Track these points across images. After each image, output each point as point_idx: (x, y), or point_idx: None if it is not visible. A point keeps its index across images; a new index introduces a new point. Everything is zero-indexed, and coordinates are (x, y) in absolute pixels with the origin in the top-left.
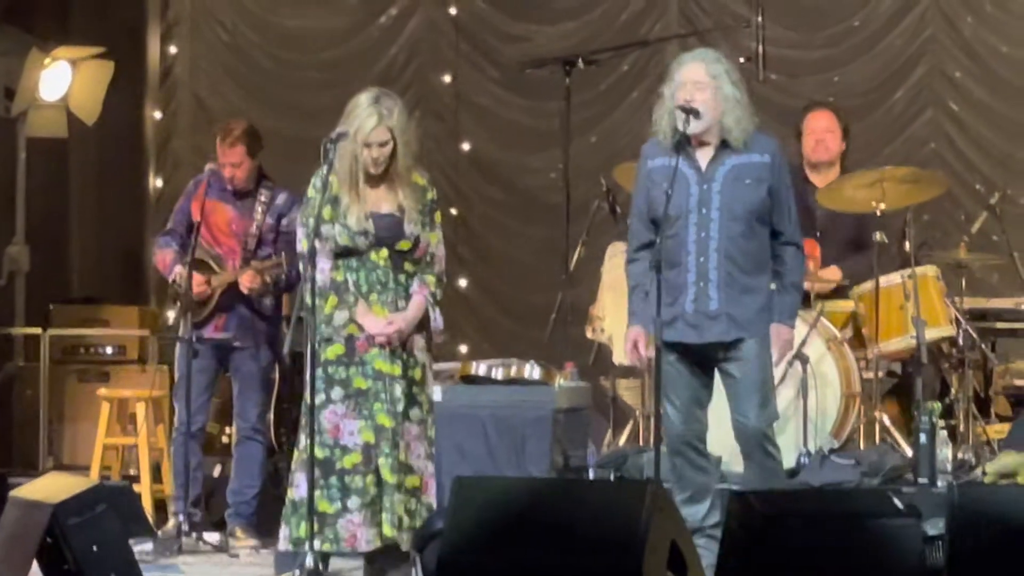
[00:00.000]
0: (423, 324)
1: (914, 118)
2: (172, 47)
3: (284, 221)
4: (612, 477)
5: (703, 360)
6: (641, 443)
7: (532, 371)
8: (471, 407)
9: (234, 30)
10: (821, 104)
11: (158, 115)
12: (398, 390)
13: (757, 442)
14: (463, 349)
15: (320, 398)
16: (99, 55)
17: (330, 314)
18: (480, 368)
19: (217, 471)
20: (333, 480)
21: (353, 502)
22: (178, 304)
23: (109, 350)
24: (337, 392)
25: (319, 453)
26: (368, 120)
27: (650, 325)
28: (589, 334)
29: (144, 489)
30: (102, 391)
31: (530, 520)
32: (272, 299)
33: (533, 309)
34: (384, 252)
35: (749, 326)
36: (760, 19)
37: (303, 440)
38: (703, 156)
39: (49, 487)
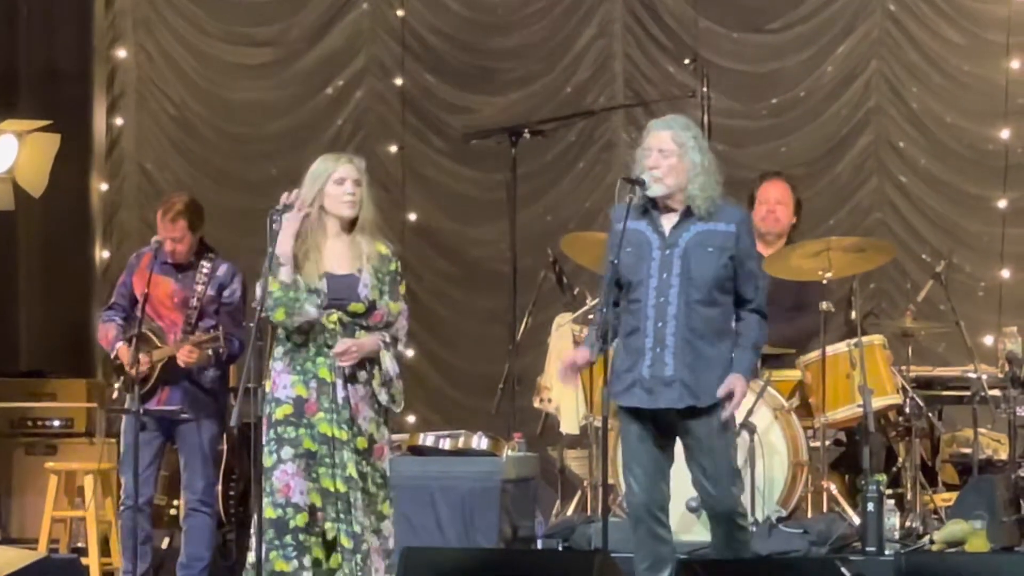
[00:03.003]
0: (374, 396)
1: (859, 187)
2: (118, 119)
3: (225, 292)
4: (560, 547)
5: (664, 427)
6: (589, 513)
7: (480, 442)
8: (419, 478)
9: (180, 102)
10: (778, 174)
11: (104, 187)
12: (346, 455)
13: (726, 516)
14: (411, 420)
15: (272, 459)
16: (45, 127)
17: (277, 284)
18: (428, 439)
19: (165, 543)
20: (288, 539)
21: (308, 560)
22: (121, 379)
23: (56, 423)
24: (287, 451)
25: (272, 513)
26: (336, 162)
27: (594, 351)
28: (537, 404)
29: (92, 562)
30: (50, 464)
31: None
32: (215, 371)
33: (480, 380)
34: (335, 316)
35: (704, 394)
36: (705, 89)
37: (261, 501)
38: (667, 221)
39: None
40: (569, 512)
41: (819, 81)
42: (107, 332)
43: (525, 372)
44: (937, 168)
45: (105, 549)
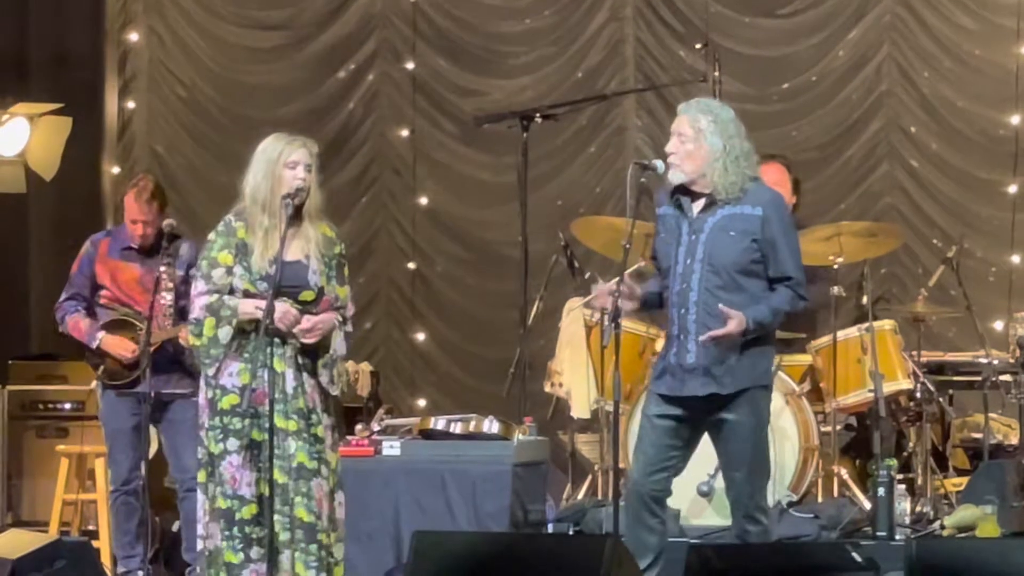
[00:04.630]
0: (325, 391)
1: (870, 172)
2: (130, 102)
3: (192, 270)
4: (571, 531)
5: (690, 418)
6: (600, 497)
7: (491, 426)
8: (430, 462)
9: (191, 86)
10: (770, 157)
11: (116, 170)
12: (292, 447)
13: (741, 508)
14: (421, 404)
15: (219, 447)
16: (57, 111)
17: (213, 335)
18: (439, 423)
19: (176, 526)
20: (236, 531)
21: (255, 552)
22: (101, 370)
23: (67, 406)
24: (233, 443)
25: (222, 504)
26: (289, 144)
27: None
28: (547, 388)
29: (103, 544)
30: (61, 447)
31: (489, 575)
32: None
33: (491, 364)
34: (288, 305)
35: (727, 382)
36: (717, 74)
37: (210, 489)
38: (696, 207)
39: (8, 543)
40: (580, 496)
41: (830, 66)
42: (77, 323)
43: (536, 356)
44: (948, 153)
45: None
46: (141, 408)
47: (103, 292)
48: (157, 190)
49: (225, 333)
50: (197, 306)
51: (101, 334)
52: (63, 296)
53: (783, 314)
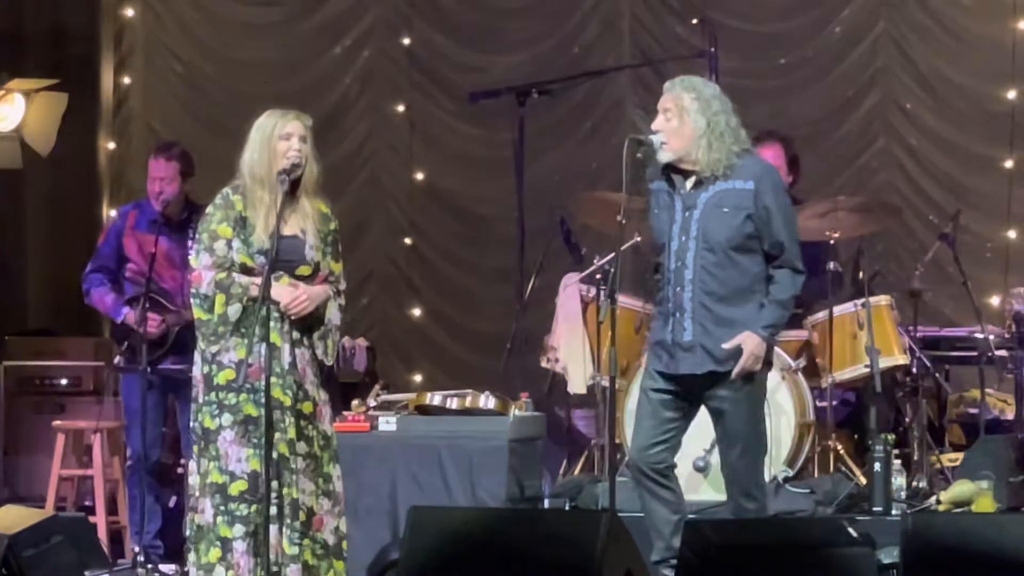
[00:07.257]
0: (319, 362)
1: (866, 147)
2: (126, 78)
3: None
4: (567, 507)
5: (686, 394)
6: (596, 472)
7: (487, 401)
8: (426, 437)
9: (188, 61)
10: (769, 135)
11: (112, 146)
12: (287, 420)
13: (737, 486)
14: (417, 379)
15: (215, 423)
16: (53, 86)
17: (223, 312)
18: (435, 398)
19: (172, 502)
20: (230, 506)
21: (237, 529)
22: (125, 345)
23: (64, 381)
24: (227, 418)
25: (218, 478)
26: (282, 118)
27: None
28: (544, 364)
29: (100, 520)
30: (57, 423)
31: (485, 550)
32: None
33: (488, 339)
34: (284, 280)
35: (725, 360)
36: (713, 49)
37: (203, 464)
38: (688, 183)
39: (4, 519)
40: (576, 472)
41: (827, 41)
42: (102, 298)
43: (532, 331)
44: (944, 128)
45: (112, 507)
46: (162, 387)
47: (129, 265)
48: (181, 153)
49: (235, 311)
50: (205, 281)
51: (126, 309)
52: (89, 267)
53: (792, 299)
